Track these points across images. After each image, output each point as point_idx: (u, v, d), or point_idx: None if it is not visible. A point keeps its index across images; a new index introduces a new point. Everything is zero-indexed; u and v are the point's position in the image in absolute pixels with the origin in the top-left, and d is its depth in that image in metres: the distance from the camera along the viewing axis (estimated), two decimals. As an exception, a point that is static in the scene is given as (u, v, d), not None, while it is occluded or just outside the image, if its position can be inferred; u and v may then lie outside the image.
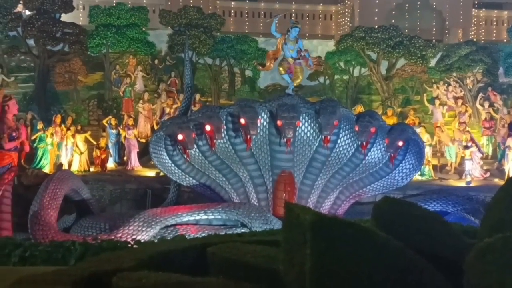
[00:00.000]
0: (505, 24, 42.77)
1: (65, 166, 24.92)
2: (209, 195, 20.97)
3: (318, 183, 20.29)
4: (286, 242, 6.37)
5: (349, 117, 19.72)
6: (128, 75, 31.44)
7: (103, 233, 18.04)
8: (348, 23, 44.63)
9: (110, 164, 26.63)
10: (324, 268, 5.22)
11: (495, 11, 48.30)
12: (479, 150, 25.65)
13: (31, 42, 31.73)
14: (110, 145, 26.86)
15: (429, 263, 5.53)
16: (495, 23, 48.29)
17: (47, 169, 24.47)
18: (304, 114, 19.00)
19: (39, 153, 25.23)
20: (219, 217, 19.51)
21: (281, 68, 22.19)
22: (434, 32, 43.92)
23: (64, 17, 33.00)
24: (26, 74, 33.65)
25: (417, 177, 22.17)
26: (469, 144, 25.55)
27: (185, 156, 19.79)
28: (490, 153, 28.71)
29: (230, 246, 8.37)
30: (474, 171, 25.63)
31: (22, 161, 20.41)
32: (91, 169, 26.10)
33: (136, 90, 30.61)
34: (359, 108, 25.87)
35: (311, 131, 19.44)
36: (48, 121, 26.32)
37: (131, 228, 18.61)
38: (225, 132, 19.35)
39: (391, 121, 24.16)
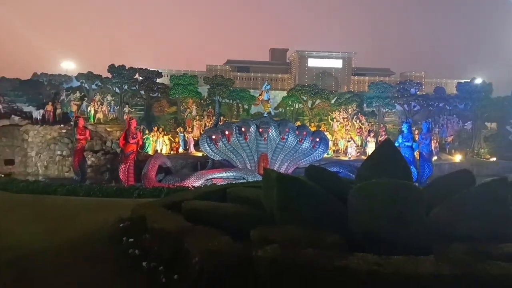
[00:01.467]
0: (367, 83, 43.21)
1: (159, 151, 26.46)
2: (227, 164, 21.88)
3: (279, 158, 21.78)
4: (264, 186, 6.72)
5: (293, 128, 21.53)
6: (188, 107, 33.90)
7: (177, 182, 18.80)
8: (293, 82, 45.43)
9: (180, 150, 28.13)
10: (283, 200, 5.62)
11: (361, 77, 45.17)
12: (355, 142, 25.05)
13: (142, 92, 34.56)
14: (180, 141, 28.46)
15: (332, 196, 5.83)
16: (362, 82, 42.61)
17: (150, 152, 25.96)
18: (272, 126, 20.83)
19: (146, 145, 26.30)
20: (233, 174, 19.96)
21: (262, 105, 22.13)
22: (333, 86, 40.19)
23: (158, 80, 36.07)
24: (140, 107, 35.94)
25: (325, 155, 23.22)
26: (350, 140, 25.17)
27: (216, 146, 21.00)
28: (360, 144, 30.14)
29: (238, 188, 8.15)
30: (352, 152, 27.95)
31: (138, 148, 21.22)
32: (171, 152, 27.48)
33: (192, 114, 32.64)
34: (298, 123, 28.09)
35: (276, 133, 20.87)
36: (150, 129, 28.47)
37: (190, 180, 18.94)
38: (235, 135, 20.66)
39: (313, 129, 26.43)
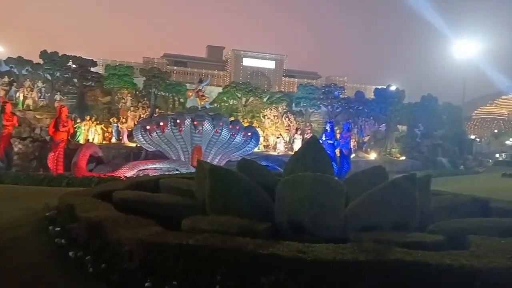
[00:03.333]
0: (296, 84, 44.33)
1: (90, 140, 25.27)
2: (161, 155, 21.52)
3: (213, 151, 21.53)
4: (197, 177, 6.77)
5: (227, 122, 21.47)
6: (123, 98, 31.98)
7: (108, 172, 17.76)
8: (228, 80, 45.46)
9: (113, 140, 27.23)
10: (215, 191, 5.63)
11: (291, 78, 49.70)
12: (283, 139, 25.43)
13: (75, 80, 32.12)
14: (113, 131, 27.59)
15: (261, 188, 5.92)
16: (292, 83, 44.19)
17: (81, 141, 24.80)
18: (207, 119, 20.42)
19: (77, 133, 25.14)
20: (166, 166, 19.23)
21: (197, 98, 21.47)
22: (266, 85, 40.55)
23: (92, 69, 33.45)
24: (72, 95, 32.88)
25: (256, 150, 22.08)
26: (279, 136, 25.33)
27: (150, 137, 20.39)
28: (288, 140, 31.12)
29: (171, 179, 8.10)
30: (281, 148, 28.18)
31: (69, 137, 19.35)
32: (104, 142, 26.24)
33: (127, 105, 31.13)
34: (232, 118, 26.68)
35: (210, 127, 20.44)
36: (83, 118, 26.95)
37: (122, 170, 18.18)
38: (170, 126, 20.04)
39: (246, 124, 26.16)
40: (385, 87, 37.51)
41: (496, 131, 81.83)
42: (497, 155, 48.09)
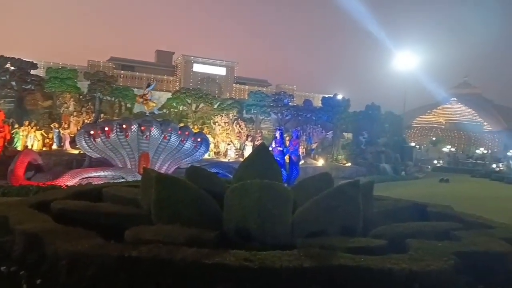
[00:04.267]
0: (247, 92, 44.93)
1: (29, 147, 23.61)
2: (106, 162, 20.24)
3: (161, 158, 20.63)
4: (143, 186, 6.61)
5: (176, 128, 20.61)
6: (65, 102, 30.38)
7: (48, 181, 16.71)
8: (178, 85, 44.17)
9: (54, 147, 25.50)
10: (161, 200, 5.53)
11: (242, 86, 45.43)
12: (234, 146, 25.39)
13: (13, 83, 29.79)
14: (54, 137, 25.79)
15: (210, 196, 5.86)
16: (243, 91, 43.32)
17: (19, 148, 23.25)
18: (154, 125, 19.55)
19: (15, 140, 23.37)
20: (111, 173, 18.32)
21: (144, 104, 20.75)
22: (217, 92, 40.33)
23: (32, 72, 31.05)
24: (10, 99, 30.72)
25: (206, 156, 22.57)
26: (230, 143, 25.32)
27: (94, 142, 19.16)
28: (239, 147, 30.72)
29: (115, 187, 7.87)
30: (232, 155, 28.84)
31: (5, 143, 19.61)
32: (44, 149, 24.45)
33: (70, 110, 29.41)
34: (182, 125, 25.70)
35: (158, 133, 19.57)
36: (21, 123, 25.00)
37: (63, 178, 17.06)
38: (115, 132, 18.91)
39: (196, 131, 25.02)
40: (332, 96, 38.77)
41: (434, 138, 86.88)
42: (435, 162, 51.18)
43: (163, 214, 5.47)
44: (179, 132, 20.13)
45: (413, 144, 56.78)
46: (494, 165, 39.25)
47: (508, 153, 30.75)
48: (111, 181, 15.52)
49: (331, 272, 3.70)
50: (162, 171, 19.54)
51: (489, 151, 73.01)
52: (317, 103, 41.67)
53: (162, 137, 19.48)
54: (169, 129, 19.58)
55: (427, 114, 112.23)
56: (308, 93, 52.47)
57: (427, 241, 4.69)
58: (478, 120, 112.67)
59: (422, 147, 69.17)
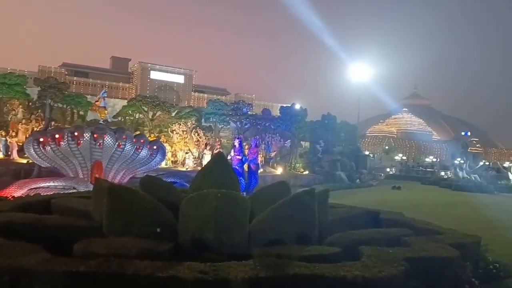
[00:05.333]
0: (206, 100, 40.80)
1: None
2: (57, 171, 19.39)
3: (115, 167, 19.99)
4: (94, 197, 6.43)
5: (131, 136, 19.94)
6: (13, 109, 28.96)
7: None
8: (134, 92, 43.85)
9: (0, 156, 23.98)
10: (114, 211, 5.38)
11: (201, 94, 44.91)
12: (192, 154, 25.02)
13: None
14: (1, 146, 24.27)
15: (165, 206, 5.74)
16: (201, 99, 43.73)
17: None
18: (108, 132, 19.08)
19: None
20: (62, 184, 17.67)
21: (98, 112, 20.13)
22: (174, 100, 39.48)
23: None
24: None
25: (163, 165, 21.19)
26: (188, 151, 25.05)
27: (43, 151, 18.24)
28: (197, 156, 30.42)
29: (65, 198, 7.61)
30: (190, 163, 28.40)
31: None
32: None
33: (18, 117, 27.95)
34: (137, 132, 26.17)
35: (112, 141, 19.04)
36: None
37: (10, 189, 16.18)
38: (66, 140, 18.00)
39: (152, 139, 25.12)
40: (289, 105, 39.39)
41: (387, 147, 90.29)
42: (388, 169, 53.05)
43: (115, 226, 5.28)
44: (134, 140, 19.53)
45: (367, 152, 58.66)
46: (442, 173, 40.95)
47: (455, 162, 32.26)
48: (62, 192, 14.43)
49: (286, 281, 3.69)
50: (116, 180, 19.07)
51: (438, 160, 76.80)
52: (276, 112, 42.10)
53: (116, 145, 18.85)
54: (124, 137, 18.95)
55: (380, 123, 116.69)
56: (267, 102, 52.98)
57: (379, 248, 4.81)
58: (428, 130, 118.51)
59: (375, 155, 71.57)
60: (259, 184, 21.05)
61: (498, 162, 54.27)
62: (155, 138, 25.91)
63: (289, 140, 36.61)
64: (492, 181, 27.29)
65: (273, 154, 34.47)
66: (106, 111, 22.51)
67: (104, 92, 23.50)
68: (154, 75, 49.22)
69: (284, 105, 39.70)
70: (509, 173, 28.52)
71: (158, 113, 33.91)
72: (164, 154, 21.90)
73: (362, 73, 47.47)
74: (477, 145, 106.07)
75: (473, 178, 27.52)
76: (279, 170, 31.48)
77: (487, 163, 49.67)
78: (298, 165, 35.11)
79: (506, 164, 48.74)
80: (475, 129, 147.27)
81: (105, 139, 18.71)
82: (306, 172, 33.38)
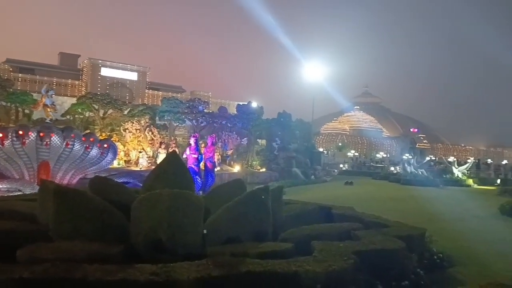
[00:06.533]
0: (160, 98, 39.97)
1: None
2: (0, 173, 18.22)
3: (63, 167, 19.21)
4: (40, 199, 6.21)
5: (79, 134, 19.42)
6: None
7: None
8: (84, 90, 40.23)
9: None
10: (61, 214, 5.19)
11: (155, 91, 44.16)
12: (146, 154, 24.67)
13: None
14: None
15: (115, 207, 5.56)
16: (156, 96, 43.53)
17: None
18: (55, 131, 18.14)
19: None
20: (6, 186, 16.40)
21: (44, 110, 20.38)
22: (127, 97, 38.67)
23: None
24: None
25: (116, 165, 20.32)
26: (141, 151, 24.45)
27: None
28: (151, 155, 29.88)
29: (8, 202, 7.37)
30: (144, 163, 27.41)
31: None
32: None
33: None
34: (87, 131, 25.58)
35: (59, 140, 18.18)
36: None
37: None
38: (10, 139, 17.18)
39: (103, 137, 24.45)
40: (246, 103, 39.57)
41: (340, 144, 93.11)
42: (341, 165, 54.68)
43: (62, 230, 5.07)
44: (83, 139, 18.86)
45: (321, 149, 60.24)
46: (392, 168, 42.68)
47: (404, 157, 33.77)
48: (6, 195, 14.01)
49: (239, 279, 3.70)
50: (65, 181, 18.56)
51: (388, 155, 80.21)
52: (232, 110, 42.14)
53: (64, 144, 18.06)
54: (72, 136, 18.21)
55: (333, 121, 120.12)
56: (223, 100, 52.86)
57: (330, 242, 4.93)
58: (378, 127, 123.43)
59: (329, 152, 73.61)
60: (216, 182, 20.99)
61: (443, 157, 57.45)
62: (106, 137, 25.11)
63: (245, 138, 36.82)
64: (438, 175, 28.87)
65: (230, 152, 34.47)
66: (49, 109, 21.32)
67: (47, 89, 22.03)
68: (105, 72, 47.61)
69: (241, 103, 39.82)
70: (453, 168, 30.18)
71: (110, 111, 32.91)
72: (115, 153, 21.44)
73: (316, 72, 48.50)
74: (424, 141, 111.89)
75: (420, 173, 28.90)
76: (236, 168, 31.52)
77: (433, 158, 52.52)
78: (255, 162, 35.36)
79: (451, 158, 51.77)
80: (422, 126, 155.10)
81: (52, 138, 17.92)
82: (263, 170, 33.67)
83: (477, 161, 42.84)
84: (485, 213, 13.24)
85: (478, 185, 27.40)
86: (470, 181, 27.79)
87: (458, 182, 27.07)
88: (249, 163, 35.09)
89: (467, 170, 30.56)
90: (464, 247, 7.85)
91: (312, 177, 33.69)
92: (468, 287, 5.33)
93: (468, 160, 39.41)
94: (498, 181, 28.77)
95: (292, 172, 32.89)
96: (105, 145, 19.99)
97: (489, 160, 62.69)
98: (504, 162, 64.79)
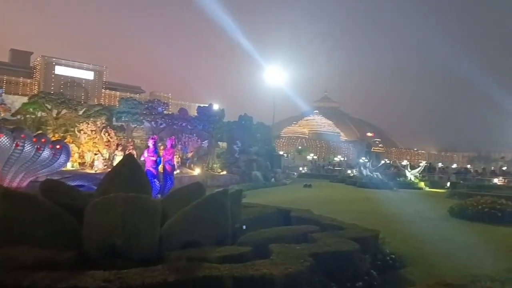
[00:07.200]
0: (118, 98, 41.52)
1: None
2: None
3: (13, 169, 18.19)
4: None
5: (30, 135, 18.38)
6: None
7: None
8: (37, 88, 38.36)
9: None
10: (8, 218, 4.95)
11: (113, 92, 43.11)
12: (102, 156, 23.85)
13: None
14: None
15: (67, 212, 5.35)
16: (113, 97, 42.34)
17: None
18: (4, 132, 17.19)
19: None
20: None
21: None
22: (83, 97, 37.54)
23: None
24: None
25: (70, 167, 19.66)
26: (97, 153, 23.60)
27: None
28: (108, 157, 28.73)
29: None
30: (99, 165, 25.70)
31: None
32: None
33: None
34: (39, 132, 23.02)
35: (9, 141, 17.19)
36: None
37: None
38: None
39: (56, 138, 21.97)
40: (207, 105, 39.32)
41: (299, 147, 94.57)
42: (301, 168, 55.61)
43: (11, 235, 4.80)
44: (34, 140, 17.68)
45: (281, 152, 60.89)
46: (349, 171, 43.92)
47: (360, 160, 34.89)
48: None
49: (196, 284, 3.66)
50: (15, 184, 17.60)
51: (345, 159, 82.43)
52: (193, 112, 41.71)
53: (13, 145, 17.00)
54: (22, 136, 17.13)
55: (293, 125, 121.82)
56: (184, 101, 52.18)
57: (287, 245, 4.98)
58: (336, 131, 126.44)
59: (289, 155, 74.62)
60: (175, 185, 20.71)
61: (397, 161, 59.74)
62: (59, 138, 24.10)
63: (206, 141, 36.46)
64: (392, 178, 30.01)
65: (190, 155, 34.08)
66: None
67: None
68: (60, 70, 45.69)
69: (202, 105, 39.50)
70: (406, 171, 31.47)
71: (64, 111, 31.31)
72: (68, 155, 20.48)
73: (277, 76, 49.09)
74: (380, 145, 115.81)
75: (375, 176, 29.93)
76: (196, 171, 31.21)
77: (388, 162, 54.52)
78: (215, 165, 35.17)
79: (404, 162, 54.02)
80: (378, 130, 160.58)
81: (0, 139, 17.17)
82: (224, 172, 33.54)
83: (428, 164, 44.97)
84: (435, 215, 13.86)
85: (430, 188, 28.77)
86: (422, 184, 29.15)
87: (410, 185, 28.29)
88: (210, 166, 34.85)
89: (419, 174, 32.00)
90: (415, 248, 8.18)
91: (273, 180, 33.97)
92: (418, 287, 5.56)
93: (420, 164, 41.21)
94: (448, 184, 30.32)
95: (253, 175, 33.05)
96: (58, 147, 19.18)
97: (440, 164, 65.85)
98: (454, 165, 68.40)
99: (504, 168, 51.56)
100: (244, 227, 5.55)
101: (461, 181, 31.14)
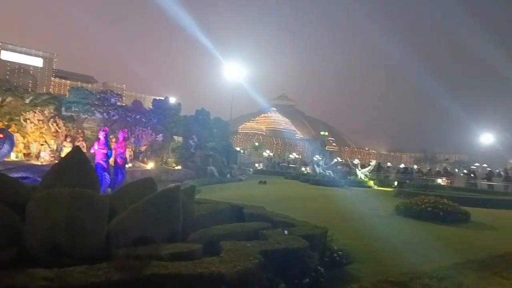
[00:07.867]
0: (68, 87, 36.80)
1: None
2: None
3: None
4: None
5: None
6: None
7: None
8: None
9: None
10: None
11: (63, 80, 41.79)
12: (49, 147, 22.90)
13: None
14: None
15: (8, 206, 5.02)
16: (63, 85, 41.09)
17: None
18: None
19: None
20: None
21: None
22: (31, 85, 36.19)
23: None
24: None
25: (14, 158, 18.67)
26: (44, 143, 22.87)
27: None
28: (55, 148, 28.02)
29: None
30: (46, 157, 25.37)
31: None
32: None
33: None
34: None
35: None
36: None
37: None
38: None
39: None
40: (163, 98, 38.58)
41: (256, 143, 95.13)
42: (257, 165, 55.98)
43: None
44: (1, 135, 17.25)
45: (238, 148, 61.02)
46: (303, 168, 44.77)
47: (314, 158, 35.64)
48: None
49: (142, 282, 3.57)
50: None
51: (300, 156, 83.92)
52: (148, 105, 40.81)
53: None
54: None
55: (251, 121, 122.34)
56: (139, 94, 51.08)
57: (238, 242, 4.96)
58: (293, 129, 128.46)
59: (245, 151, 74.90)
60: (127, 179, 20.14)
61: (349, 159, 61.70)
62: (3, 127, 22.78)
63: (161, 134, 35.85)
64: (343, 176, 30.96)
65: (143, 148, 33.36)
66: None
67: None
68: (6, 55, 43.18)
69: (157, 98, 38.70)
70: (357, 170, 32.58)
71: (9, 98, 29.61)
72: (12, 145, 19.85)
73: (236, 72, 49.05)
74: (333, 144, 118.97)
75: (327, 174, 30.76)
76: (150, 165, 30.58)
77: (340, 160, 56.14)
78: (170, 160, 34.67)
79: (356, 161, 55.94)
80: (332, 129, 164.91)
81: None
82: (179, 167, 33.12)
83: (377, 164, 46.79)
84: (383, 212, 14.44)
85: (378, 186, 29.98)
86: (371, 183, 30.34)
87: (360, 183, 29.32)
88: (164, 160, 34.28)
89: (369, 172, 33.25)
90: (363, 245, 8.42)
91: (228, 175, 34.02)
92: (362, 283, 5.78)
93: (371, 163, 42.82)
94: (395, 183, 31.72)
95: (208, 170, 32.91)
96: (1, 136, 18.22)
97: (389, 164, 68.64)
98: (401, 165, 71.60)
99: (448, 169, 54.73)
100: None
101: (407, 181, 32.74)
